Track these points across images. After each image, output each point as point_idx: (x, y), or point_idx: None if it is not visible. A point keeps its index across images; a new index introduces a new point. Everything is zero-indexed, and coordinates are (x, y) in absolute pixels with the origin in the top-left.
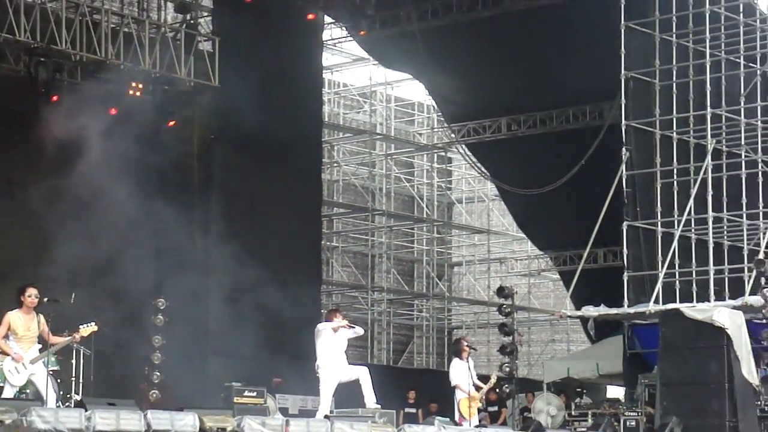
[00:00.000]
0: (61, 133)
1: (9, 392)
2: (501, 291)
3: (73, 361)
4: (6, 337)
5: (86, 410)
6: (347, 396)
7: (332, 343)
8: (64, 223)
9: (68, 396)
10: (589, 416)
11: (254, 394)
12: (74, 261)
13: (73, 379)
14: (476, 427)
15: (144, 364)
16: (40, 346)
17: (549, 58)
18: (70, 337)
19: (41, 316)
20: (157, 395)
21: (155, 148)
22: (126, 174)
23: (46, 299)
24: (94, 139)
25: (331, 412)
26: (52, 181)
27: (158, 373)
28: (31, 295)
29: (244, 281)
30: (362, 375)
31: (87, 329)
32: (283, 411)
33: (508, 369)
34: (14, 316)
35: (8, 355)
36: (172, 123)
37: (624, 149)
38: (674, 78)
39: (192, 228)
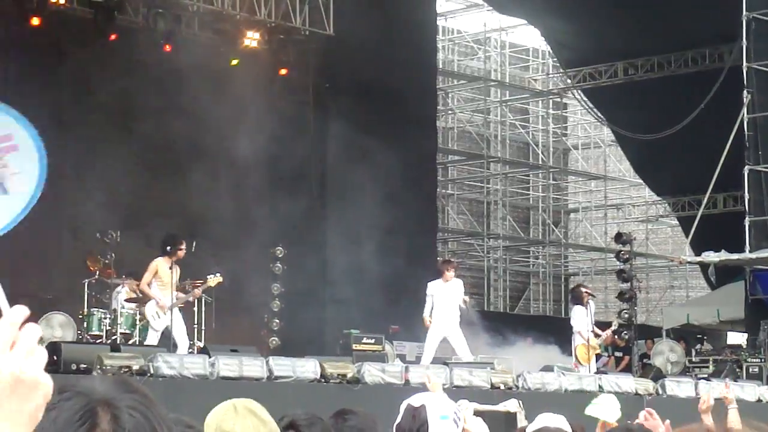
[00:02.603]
0: (178, 83)
1: (153, 338)
2: (619, 237)
3: (195, 309)
4: (149, 283)
5: (210, 356)
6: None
7: (441, 299)
8: (182, 172)
9: (191, 343)
10: (711, 363)
11: (373, 341)
12: (194, 210)
13: (196, 326)
14: (595, 373)
15: (263, 311)
16: (177, 293)
17: (667, 0)
18: (191, 293)
19: (177, 267)
20: (276, 342)
21: (271, 98)
22: (241, 124)
23: (169, 248)
24: (209, 89)
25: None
26: (169, 131)
27: (277, 321)
28: (183, 249)
29: (361, 230)
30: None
31: (213, 280)
32: (401, 358)
33: (626, 315)
34: (162, 263)
35: (152, 298)
36: (284, 71)
37: (745, 92)
38: None
39: (308, 177)
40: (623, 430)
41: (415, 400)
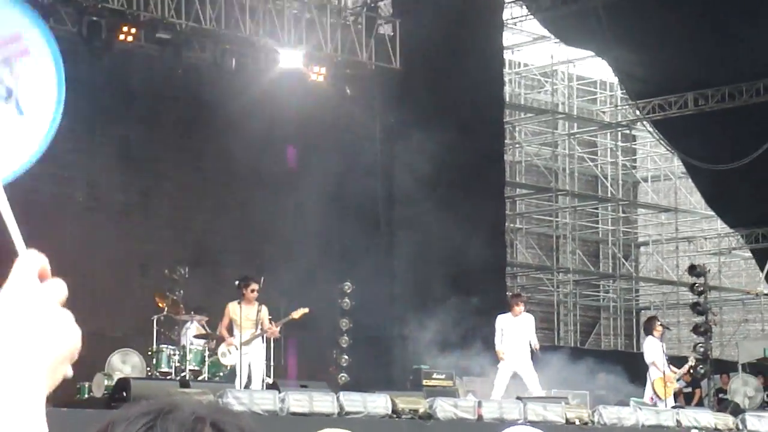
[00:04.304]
0: (244, 118)
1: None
2: (693, 269)
3: (264, 345)
4: (229, 325)
5: (280, 392)
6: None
7: (510, 333)
8: (249, 207)
9: (261, 379)
10: None
11: (443, 376)
12: (261, 246)
13: (265, 362)
14: (673, 407)
15: (332, 347)
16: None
17: (737, 29)
18: (265, 329)
19: (264, 307)
20: (345, 378)
21: (338, 133)
22: (309, 160)
23: (237, 281)
24: (277, 125)
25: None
26: (236, 167)
27: (346, 357)
28: (253, 289)
29: (428, 263)
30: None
31: (298, 312)
32: (472, 393)
33: (702, 349)
34: (234, 307)
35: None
36: (350, 106)
37: None
38: None
39: (376, 211)
40: None
41: None
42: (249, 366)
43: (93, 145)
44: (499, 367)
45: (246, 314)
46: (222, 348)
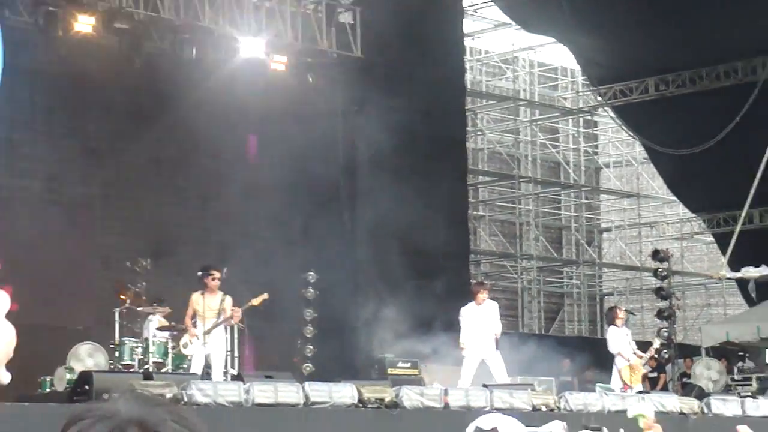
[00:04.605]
0: (206, 109)
1: (193, 365)
2: (656, 254)
3: (228, 336)
4: (193, 315)
5: (244, 383)
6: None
7: (475, 322)
8: (211, 198)
9: (225, 370)
10: (754, 380)
11: (408, 365)
12: (224, 236)
13: (229, 353)
14: (638, 392)
15: (296, 337)
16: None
17: (697, 14)
18: (226, 317)
19: (228, 298)
20: (310, 368)
21: (299, 121)
22: (270, 148)
23: (199, 272)
24: (238, 114)
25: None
26: (198, 158)
27: (311, 347)
28: (214, 277)
29: (392, 252)
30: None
31: (257, 299)
32: (438, 381)
33: (666, 334)
34: (197, 297)
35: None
36: (312, 94)
37: None
38: None
39: (338, 198)
40: None
41: (484, 422)
42: (209, 356)
43: (52, 136)
44: (464, 355)
45: (208, 304)
46: (184, 339)
